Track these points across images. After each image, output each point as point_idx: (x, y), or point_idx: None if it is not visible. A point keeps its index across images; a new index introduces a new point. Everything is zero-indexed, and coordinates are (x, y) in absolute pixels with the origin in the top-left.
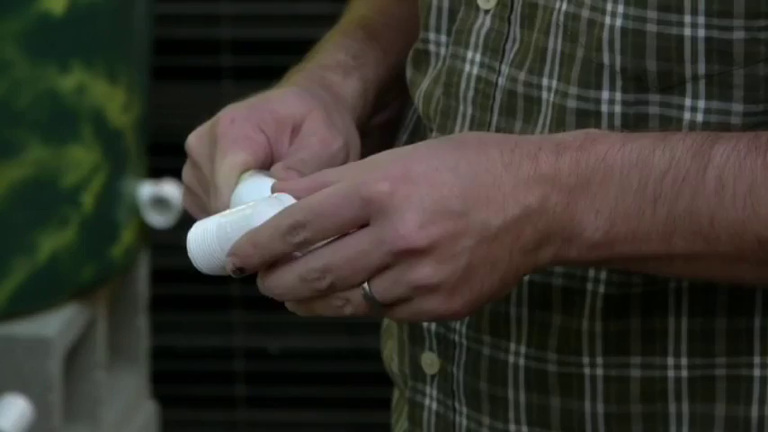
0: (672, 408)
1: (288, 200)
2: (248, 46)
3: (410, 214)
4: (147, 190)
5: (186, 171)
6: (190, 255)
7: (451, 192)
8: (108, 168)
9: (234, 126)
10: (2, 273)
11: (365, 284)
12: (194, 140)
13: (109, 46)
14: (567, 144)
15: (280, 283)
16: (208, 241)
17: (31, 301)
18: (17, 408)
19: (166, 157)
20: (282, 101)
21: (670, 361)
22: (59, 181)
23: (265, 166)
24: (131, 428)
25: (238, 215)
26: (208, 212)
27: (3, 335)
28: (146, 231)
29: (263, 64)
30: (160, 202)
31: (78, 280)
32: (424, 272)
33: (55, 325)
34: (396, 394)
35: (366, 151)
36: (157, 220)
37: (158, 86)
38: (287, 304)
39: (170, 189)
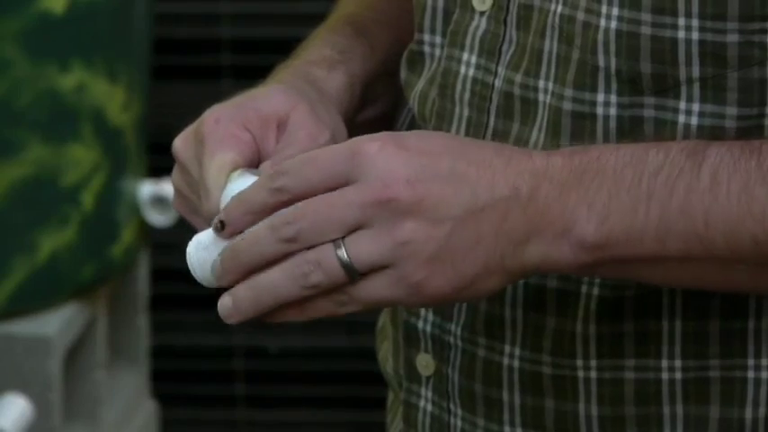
0: (666, 410)
1: None
2: (248, 45)
3: (399, 169)
4: (146, 189)
5: (175, 174)
6: (191, 269)
7: (441, 160)
8: (108, 167)
9: (219, 126)
10: (2, 272)
11: (341, 246)
12: (180, 143)
13: (109, 45)
14: (561, 150)
15: (248, 235)
16: (201, 251)
17: (30, 300)
18: (17, 407)
19: (166, 157)
20: (266, 98)
21: (664, 363)
22: (59, 180)
23: (253, 164)
24: (131, 428)
25: None
26: (199, 214)
27: (3, 334)
28: (146, 230)
29: (263, 63)
30: (160, 201)
31: (78, 279)
32: (407, 227)
33: (55, 324)
34: (390, 395)
35: None
36: (157, 219)
37: (158, 86)
38: (224, 302)
39: (170, 188)
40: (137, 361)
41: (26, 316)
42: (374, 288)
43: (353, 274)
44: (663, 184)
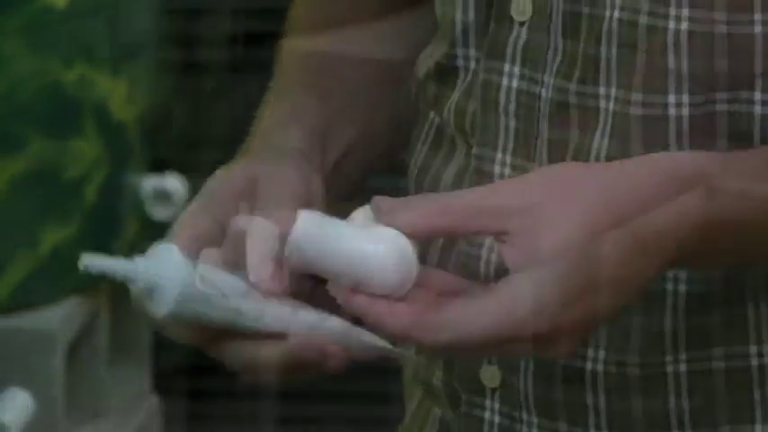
0: (756, 395)
1: (399, 241)
2: (250, 41)
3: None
4: (149, 183)
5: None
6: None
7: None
8: (110, 162)
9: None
10: (4, 266)
11: None
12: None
13: (111, 39)
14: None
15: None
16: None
17: (33, 294)
18: (20, 401)
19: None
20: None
21: (753, 349)
22: (62, 174)
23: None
24: (134, 422)
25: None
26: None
27: (5, 328)
28: (148, 225)
29: (266, 59)
30: (162, 196)
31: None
32: (563, 349)
33: (57, 318)
34: (413, 403)
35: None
36: (160, 213)
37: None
38: None
39: (172, 182)
40: (139, 355)
41: (28, 310)
42: None
43: None
44: None
